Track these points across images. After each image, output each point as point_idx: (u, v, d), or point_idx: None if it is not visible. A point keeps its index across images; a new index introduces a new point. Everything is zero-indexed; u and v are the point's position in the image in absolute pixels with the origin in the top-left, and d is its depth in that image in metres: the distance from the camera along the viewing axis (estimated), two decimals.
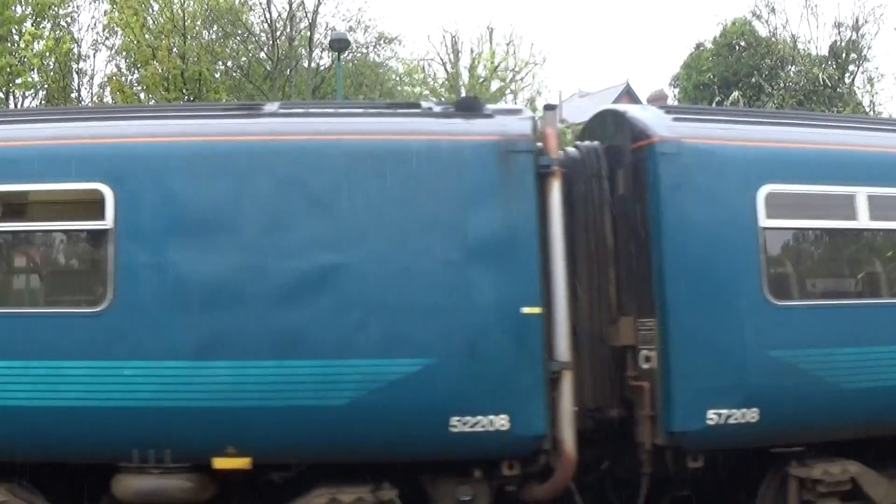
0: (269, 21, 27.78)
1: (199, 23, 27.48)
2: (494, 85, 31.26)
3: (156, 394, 5.99)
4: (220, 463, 6.09)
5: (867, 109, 26.00)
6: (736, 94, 27.19)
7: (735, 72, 29.23)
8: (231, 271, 6.13)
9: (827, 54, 27.56)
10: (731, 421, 6.40)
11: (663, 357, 6.46)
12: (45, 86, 26.16)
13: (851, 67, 27.82)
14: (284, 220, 6.25)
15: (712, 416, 6.38)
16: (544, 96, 31.44)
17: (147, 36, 26.47)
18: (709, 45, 31.86)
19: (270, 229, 6.22)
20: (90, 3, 28.52)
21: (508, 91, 31.53)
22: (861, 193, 6.84)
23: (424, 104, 7.55)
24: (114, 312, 6.02)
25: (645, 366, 6.58)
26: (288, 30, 27.36)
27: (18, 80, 23.51)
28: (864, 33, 27.63)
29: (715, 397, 6.40)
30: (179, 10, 26.78)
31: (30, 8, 24.78)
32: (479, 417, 6.15)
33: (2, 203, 6.32)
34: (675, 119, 6.98)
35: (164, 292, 6.06)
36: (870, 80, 27.69)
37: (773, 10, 29.86)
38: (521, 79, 31.83)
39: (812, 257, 7.52)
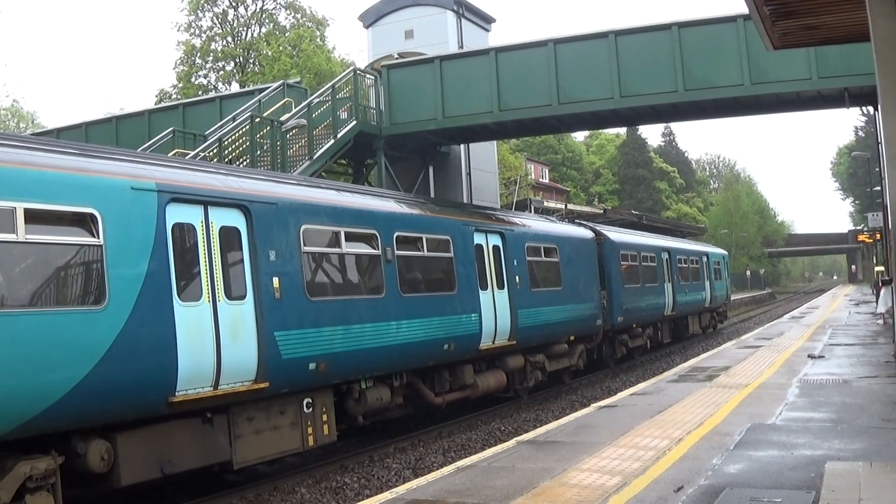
0: None
1: None
2: None
3: (547, 317, 18.76)
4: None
5: None
6: None
7: None
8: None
9: None
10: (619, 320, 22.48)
11: (608, 302, 22.02)
12: None
13: None
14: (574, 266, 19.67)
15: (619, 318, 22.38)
16: None
17: None
18: None
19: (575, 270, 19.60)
20: None
21: None
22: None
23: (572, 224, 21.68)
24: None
25: (604, 303, 21.97)
26: None
27: None
28: None
29: (618, 314, 22.35)
30: None
31: None
32: (598, 320, 20.76)
33: None
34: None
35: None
36: None
37: None
38: None
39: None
